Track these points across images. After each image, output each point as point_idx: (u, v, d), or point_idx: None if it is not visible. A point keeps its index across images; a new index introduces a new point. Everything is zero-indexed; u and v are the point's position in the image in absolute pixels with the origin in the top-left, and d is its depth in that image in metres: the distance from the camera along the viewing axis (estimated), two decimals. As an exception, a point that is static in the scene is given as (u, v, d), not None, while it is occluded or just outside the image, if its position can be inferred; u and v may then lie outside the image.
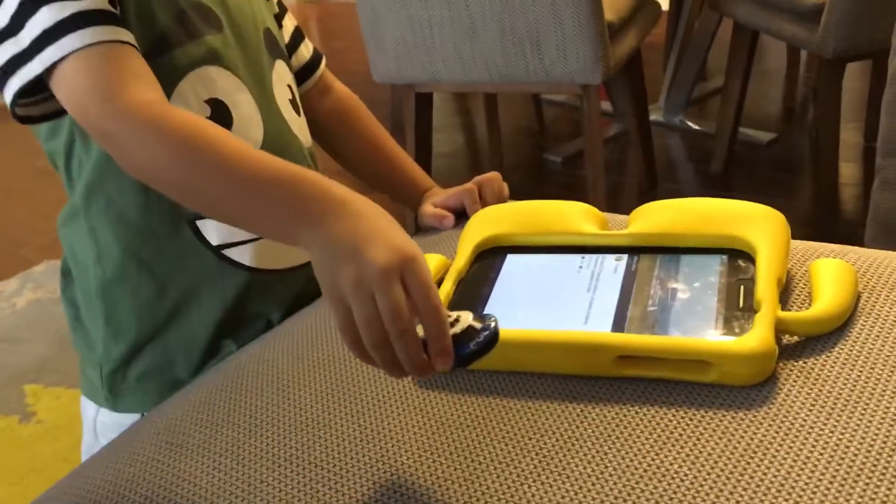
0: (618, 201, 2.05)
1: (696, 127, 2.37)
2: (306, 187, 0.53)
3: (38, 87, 0.63)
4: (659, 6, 1.91)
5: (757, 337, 0.49)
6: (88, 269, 0.73)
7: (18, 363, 1.61)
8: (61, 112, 0.65)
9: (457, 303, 0.60)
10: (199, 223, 0.71)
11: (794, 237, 0.61)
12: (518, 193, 0.82)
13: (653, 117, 2.25)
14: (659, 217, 0.62)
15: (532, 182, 2.25)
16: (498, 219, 0.68)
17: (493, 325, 0.49)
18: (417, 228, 0.85)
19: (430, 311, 0.48)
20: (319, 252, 0.50)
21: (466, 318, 0.50)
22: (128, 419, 0.76)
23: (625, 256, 0.60)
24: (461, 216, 0.79)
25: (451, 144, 2.60)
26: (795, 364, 0.50)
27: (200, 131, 0.57)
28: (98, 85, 0.59)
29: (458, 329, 0.49)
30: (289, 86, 0.80)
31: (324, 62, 0.90)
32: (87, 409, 0.79)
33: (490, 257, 0.64)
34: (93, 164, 0.69)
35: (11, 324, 1.76)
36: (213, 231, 0.72)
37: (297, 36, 0.87)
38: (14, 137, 3.01)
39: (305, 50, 0.88)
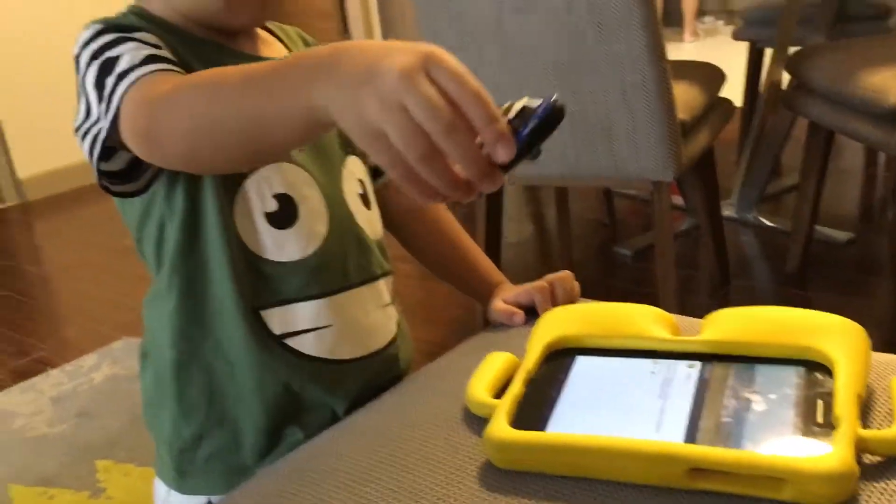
0: (689, 297, 2.02)
1: (770, 224, 2.34)
2: (307, 55, 0.52)
3: (133, 171, 0.67)
4: (732, 104, 1.92)
5: (837, 456, 0.47)
6: (164, 350, 0.75)
7: (92, 438, 1.65)
8: (149, 184, 0.69)
9: (525, 404, 0.59)
10: (263, 313, 0.73)
11: (872, 340, 0.59)
12: (587, 286, 0.82)
13: (725, 213, 2.23)
14: (733, 324, 0.61)
15: (601, 275, 2.24)
16: (569, 319, 0.68)
17: (552, 97, 0.43)
18: (486, 323, 0.85)
19: (471, 95, 0.43)
20: (337, 95, 0.47)
21: (519, 103, 0.44)
22: (195, 502, 0.77)
23: (698, 363, 0.60)
24: (531, 313, 0.80)
25: (520, 234, 2.62)
26: (877, 485, 0.48)
27: (192, 76, 0.59)
28: (142, 94, 0.61)
29: (511, 114, 0.43)
30: (360, 180, 0.82)
31: None
32: (159, 489, 0.81)
33: (560, 358, 0.64)
34: (175, 250, 0.72)
35: (88, 398, 1.81)
36: (276, 321, 0.73)
37: None
38: (100, 216, 3.15)
39: None
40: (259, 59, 0.76)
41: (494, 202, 1.88)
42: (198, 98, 0.58)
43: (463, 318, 2.03)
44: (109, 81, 0.63)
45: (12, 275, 2.78)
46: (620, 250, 2.33)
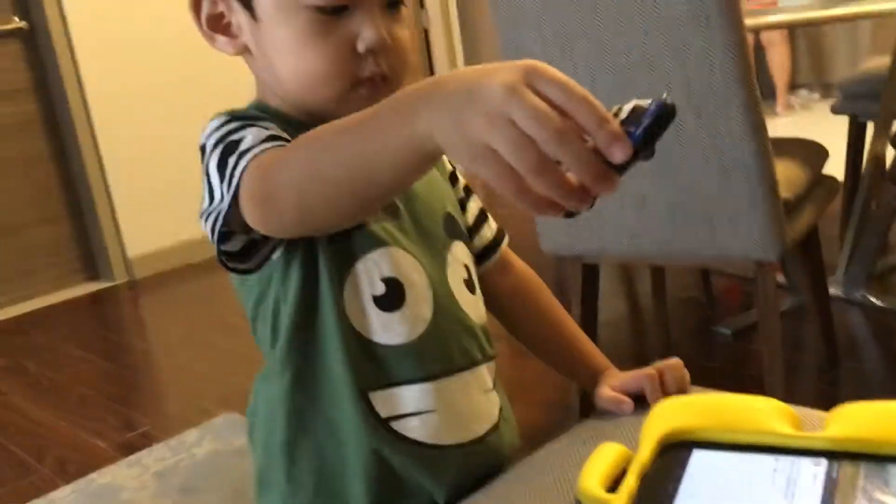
0: (796, 380, 1.94)
1: (880, 303, 2.24)
2: (408, 90, 0.51)
3: (249, 252, 0.70)
4: (836, 180, 1.87)
5: None
6: (275, 427, 0.77)
7: (193, 514, 1.68)
8: (262, 263, 0.72)
9: (641, 500, 0.58)
10: (371, 395, 0.74)
11: None
12: (685, 367, 0.81)
13: (831, 291, 2.15)
14: (861, 419, 0.59)
15: (701, 355, 2.18)
16: (683, 410, 0.66)
17: (663, 96, 0.42)
18: (583, 406, 0.84)
19: (579, 100, 0.42)
20: (441, 119, 0.47)
21: (628, 105, 0.43)
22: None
23: (824, 461, 0.57)
24: (639, 401, 0.78)
25: (615, 312, 2.58)
26: None
27: (303, 135, 0.61)
28: (259, 163, 0.64)
29: (622, 115, 0.43)
30: (465, 265, 0.84)
31: (506, 241, 0.94)
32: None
33: (675, 452, 0.62)
34: (288, 331, 0.74)
35: (190, 473, 1.84)
36: (383, 403, 0.74)
37: (481, 218, 0.92)
38: (202, 294, 3.27)
39: (488, 231, 0.92)
40: None
41: (590, 284, 1.87)
42: (307, 152, 0.60)
43: (557, 399, 2.00)
44: (231, 160, 0.66)
45: (120, 350, 2.90)
46: (719, 330, 2.27)
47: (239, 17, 0.74)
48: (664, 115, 0.43)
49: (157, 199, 3.62)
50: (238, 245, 0.70)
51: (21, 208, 3.43)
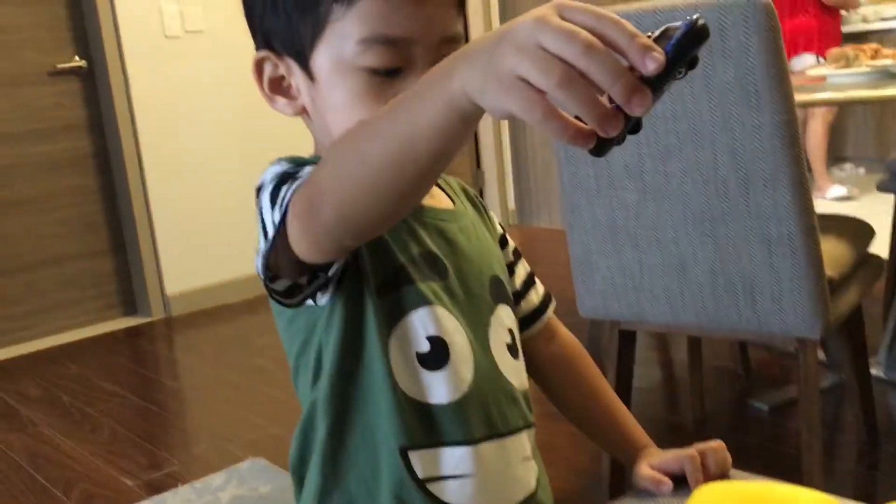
0: (834, 461, 1.90)
1: (924, 386, 2.19)
2: (439, 64, 0.51)
3: (295, 290, 0.69)
4: (882, 260, 1.84)
5: None
6: (312, 473, 0.77)
7: (214, 560, 1.66)
8: (303, 300, 0.71)
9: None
10: (410, 453, 0.74)
11: None
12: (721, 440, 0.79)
13: (872, 371, 2.11)
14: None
15: (736, 430, 2.14)
16: (726, 498, 0.65)
17: (695, 16, 0.42)
18: (612, 478, 0.83)
19: (610, 21, 0.42)
20: (471, 69, 0.47)
21: (659, 30, 0.44)
22: None
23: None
24: (678, 482, 0.77)
25: (649, 380, 2.54)
26: None
27: (344, 132, 0.60)
28: (304, 181, 0.63)
29: (654, 35, 0.42)
30: (510, 330, 0.83)
31: (552, 307, 0.93)
32: None
33: (717, 539, 0.61)
34: (330, 381, 0.74)
35: (213, 518, 1.84)
36: (420, 463, 0.74)
37: (529, 282, 0.92)
38: (236, 335, 3.29)
39: (535, 296, 0.92)
40: (422, 206, 0.80)
41: (626, 350, 1.85)
42: (349, 141, 0.59)
43: (588, 465, 1.97)
44: (284, 187, 0.66)
45: (152, 387, 2.92)
46: (756, 404, 2.22)
47: (297, 79, 0.76)
48: (695, 32, 0.43)
49: (199, 238, 3.68)
50: (283, 286, 0.70)
51: (68, 240, 3.51)
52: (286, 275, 0.68)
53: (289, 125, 0.87)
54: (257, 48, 0.78)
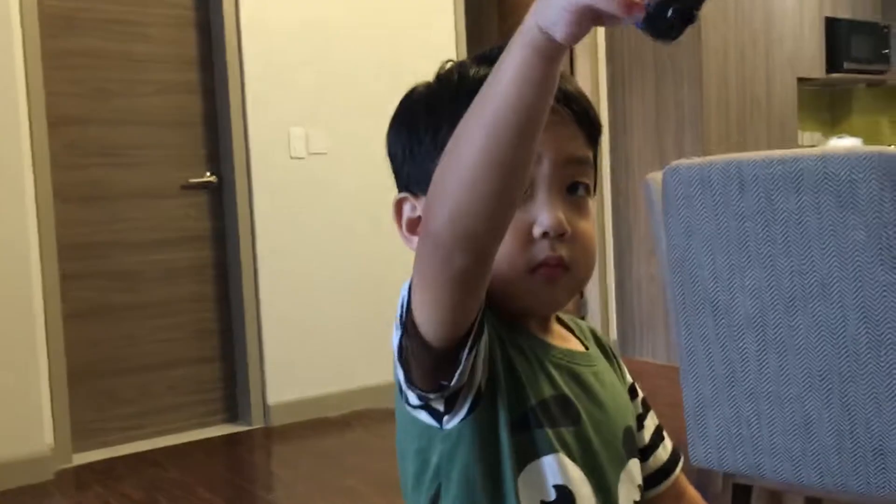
0: None
1: None
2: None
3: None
4: None
5: None
6: None
7: None
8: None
9: None
10: None
11: None
12: None
13: None
14: None
15: None
16: None
17: None
18: None
19: None
20: (543, 4, 0.56)
21: None
22: None
23: None
24: None
25: (761, 537, 2.39)
26: None
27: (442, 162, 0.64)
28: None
29: None
30: (639, 486, 0.81)
31: (680, 465, 0.91)
32: None
33: None
34: None
35: None
36: None
37: (658, 436, 0.90)
38: (331, 451, 3.29)
39: (664, 452, 0.89)
40: (548, 344, 0.80)
41: (741, 499, 1.76)
42: (445, 157, 0.63)
43: None
44: None
45: (246, 498, 2.93)
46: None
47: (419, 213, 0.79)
48: None
49: (305, 350, 3.75)
50: (415, 400, 0.72)
51: (181, 345, 3.64)
52: (416, 368, 0.69)
53: (401, 252, 0.90)
54: (399, 191, 0.82)
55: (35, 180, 3.17)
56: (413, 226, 0.81)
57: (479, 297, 0.68)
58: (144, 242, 3.55)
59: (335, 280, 3.82)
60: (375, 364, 3.79)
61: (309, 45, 3.77)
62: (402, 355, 0.70)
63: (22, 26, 3.13)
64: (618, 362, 0.89)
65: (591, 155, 0.80)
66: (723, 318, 1.61)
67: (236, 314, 3.71)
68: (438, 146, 0.75)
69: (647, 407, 0.90)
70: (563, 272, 0.77)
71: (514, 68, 0.58)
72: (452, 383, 0.69)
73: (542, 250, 0.76)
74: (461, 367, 0.68)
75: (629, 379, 0.89)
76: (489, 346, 0.73)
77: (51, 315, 3.21)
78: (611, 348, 0.91)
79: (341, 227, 3.82)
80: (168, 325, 3.61)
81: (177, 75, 3.62)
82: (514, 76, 0.58)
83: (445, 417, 0.72)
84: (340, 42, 3.85)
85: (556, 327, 0.85)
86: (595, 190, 0.83)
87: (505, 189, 0.61)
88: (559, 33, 0.55)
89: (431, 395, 0.70)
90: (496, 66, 0.59)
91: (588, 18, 0.55)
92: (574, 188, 0.78)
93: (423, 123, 0.79)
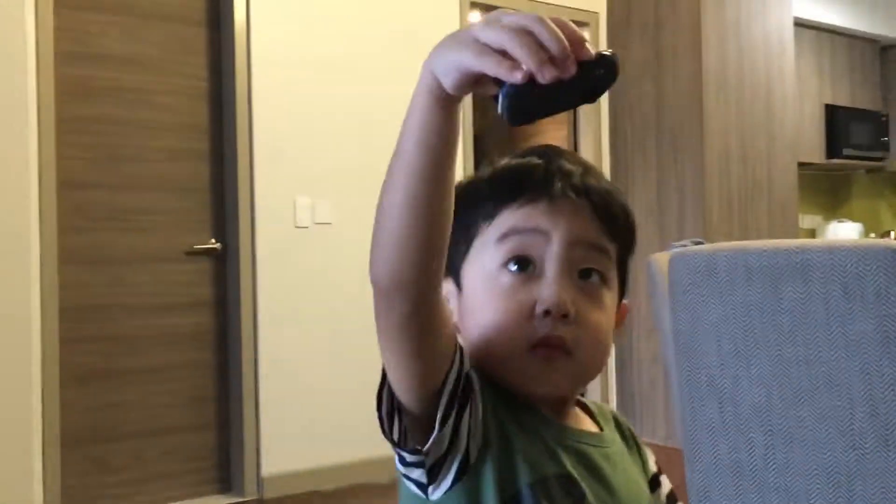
0: None
1: None
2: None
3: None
4: None
5: None
6: None
7: None
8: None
9: None
10: None
11: None
12: None
13: None
14: None
15: None
16: None
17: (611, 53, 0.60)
18: None
19: (552, 20, 0.56)
20: (438, 50, 0.60)
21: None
22: None
23: None
24: None
25: None
26: None
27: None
28: None
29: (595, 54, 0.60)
30: None
31: None
32: None
33: None
34: None
35: None
36: None
37: (671, 501, 0.88)
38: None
39: None
40: (556, 423, 0.79)
41: None
42: (379, 196, 0.67)
43: None
44: None
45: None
46: None
47: (452, 297, 0.81)
48: (601, 57, 0.60)
49: (302, 421, 3.71)
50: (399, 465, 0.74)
51: (177, 411, 3.60)
52: (396, 425, 0.71)
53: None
54: None
55: (41, 242, 3.18)
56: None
57: (433, 347, 0.70)
58: (146, 307, 3.54)
59: (335, 351, 3.80)
60: (373, 437, 3.70)
61: (318, 118, 3.84)
62: (387, 412, 0.73)
63: (38, 92, 3.18)
64: (639, 450, 0.88)
65: (608, 245, 0.80)
66: (729, 407, 1.59)
67: (234, 382, 3.68)
68: (468, 241, 0.79)
69: (672, 500, 0.88)
70: (563, 355, 0.76)
71: (416, 113, 0.63)
72: (426, 448, 0.70)
73: (543, 328, 0.76)
74: (435, 435, 0.70)
75: (652, 468, 0.88)
76: (484, 420, 0.73)
77: (48, 379, 3.18)
78: (632, 435, 0.89)
79: (343, 297, 3.81)
80: (165, 391, 3.57)
81: (187, 143, 3.67)
82: (417, 121, 0.63)
83: (430, 488, 0.72)
84: (349, 116, 3.91)
85: (573, 409, 0.85)
86: (624, 292, 0.83)
87: (425, 233, 0.65)
88: (448, 84, 0.61)
89: (408, 457, 0.72)
90: (407, 109, 0.65)
91: (469, 79, 0.60)
92: (587, 273, 0.78)
93: (456, 215, 0.80)
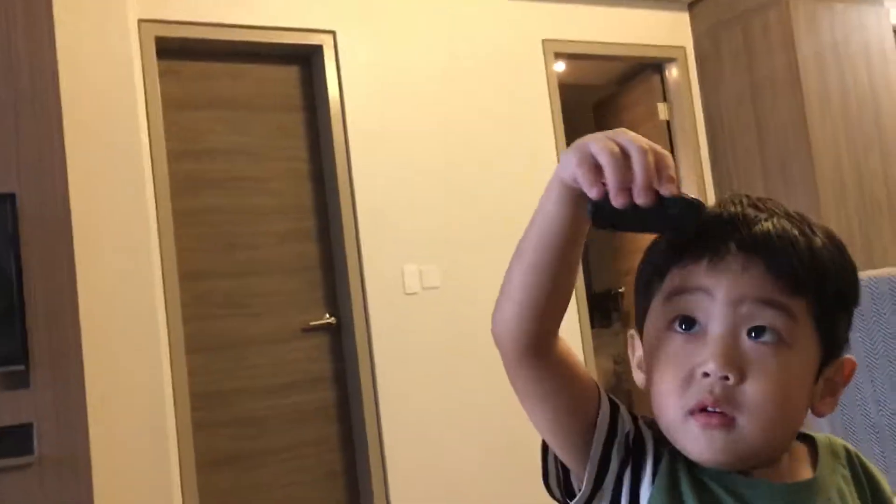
0: None
1: None
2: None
3: None
4: None
5: None
6: None
7: None
8: None
9: None
10: None
11: None
12: None
13: None
14: None
15: None
16: None
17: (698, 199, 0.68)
18: None
19: (651, 146, 0.66)
20: (566, 156, 0.69)
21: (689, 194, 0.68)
22: None
23: None
24: None
25: None
26: None
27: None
28: None
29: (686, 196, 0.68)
30: None
31: None
32: None
33: None
34: None
35: None
36: None
37: None
38: None
39: None
40: (772, 485, 0.74)
41: None
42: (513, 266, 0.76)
43: None
44: None
45: None
46: None
47: (640, 352, 0.81)
48: (689, 203, 0.68)
49: (431, 493, 3.67)
50: None
51: (307, 489, 3.62)
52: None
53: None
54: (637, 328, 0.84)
55: (169, 332, 3.30)
56: (640, 361, 0.81)
57: (569, 390, 0.78)
58: (269, 387, 3.61)
59: (458, 418, 3.77)
60: (502, 501, 3.66)
61: (416, 185, 3.89)
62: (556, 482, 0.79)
63: (154, 188, 3.35)
64: (871, 481, 0.81)
65: (786, 301, 0.73)
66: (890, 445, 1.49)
67: (360, 457, 3.69)
68: (648, 298, 0.80)
69: None
70: (722, 425, 0.71)
71: (547, 210, 0.72)
72: (580, 489, 0.76)
73: (700, 391, 0.72)
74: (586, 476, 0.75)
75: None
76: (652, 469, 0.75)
77: (185, 463, 3.27)
78: (863, 464, 0.82)
79: (459, 360, 3.80)
80: (295, 469, 3.61)
81: (295, 224, 3.77)
82: (548, 212, 0.72)
83: None
84: (444, 181, 3.95)
85: (797, 452, 0.79)
86: (837, 347, 0.78)
87: (548, 280, 0.73)
88: (564, 179, 0.70)
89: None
90: (538, 206, 0.74)
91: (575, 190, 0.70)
92: (758, 333, 0.73)
93: (656, 273, 0.80)
